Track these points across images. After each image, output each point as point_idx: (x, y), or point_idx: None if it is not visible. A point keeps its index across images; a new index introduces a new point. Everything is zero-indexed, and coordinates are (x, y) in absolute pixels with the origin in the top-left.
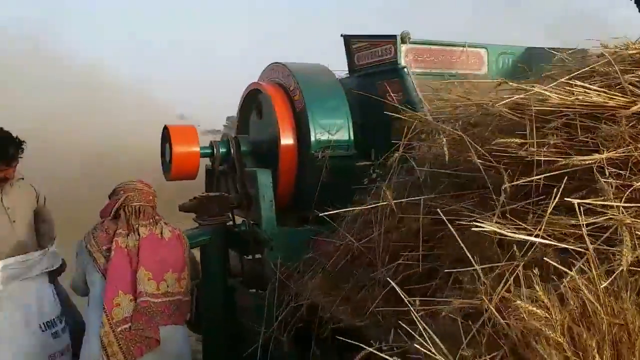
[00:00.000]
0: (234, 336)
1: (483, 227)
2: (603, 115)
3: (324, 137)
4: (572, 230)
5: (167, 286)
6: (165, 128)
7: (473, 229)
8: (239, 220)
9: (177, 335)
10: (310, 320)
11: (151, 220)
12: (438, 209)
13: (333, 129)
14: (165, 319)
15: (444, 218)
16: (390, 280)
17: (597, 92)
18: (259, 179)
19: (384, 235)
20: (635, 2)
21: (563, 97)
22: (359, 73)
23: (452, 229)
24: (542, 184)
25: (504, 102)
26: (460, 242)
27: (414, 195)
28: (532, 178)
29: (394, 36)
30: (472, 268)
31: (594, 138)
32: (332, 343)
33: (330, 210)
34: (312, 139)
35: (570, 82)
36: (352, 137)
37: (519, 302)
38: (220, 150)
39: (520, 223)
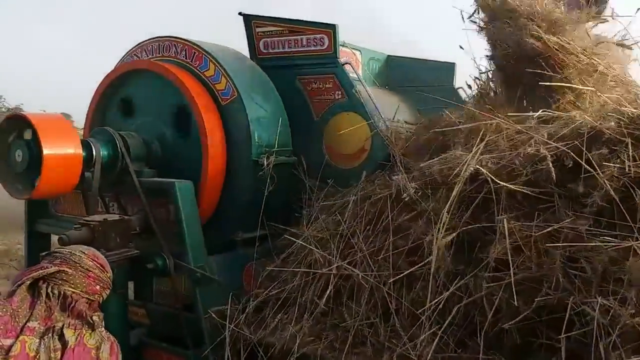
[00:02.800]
0: None
1: None
2: None
3: (265, 139)
4: None
5: None
6: (21, 118)
7: None
8: None
9: None
10: None
11: (85, 322)
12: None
13: (273, 129)
14: None
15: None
16: None
17: None
18: (179, 194)
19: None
20: None
21: None
22: (267, 63)
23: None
24: None
25: None
26: None
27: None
28: None
29: (332, 25)
30: None
31: None
32: None
33: (270, 230)
34: (254, 141)
35: None
36: (290, 140)
37: None
38: (102, 153)
39: None
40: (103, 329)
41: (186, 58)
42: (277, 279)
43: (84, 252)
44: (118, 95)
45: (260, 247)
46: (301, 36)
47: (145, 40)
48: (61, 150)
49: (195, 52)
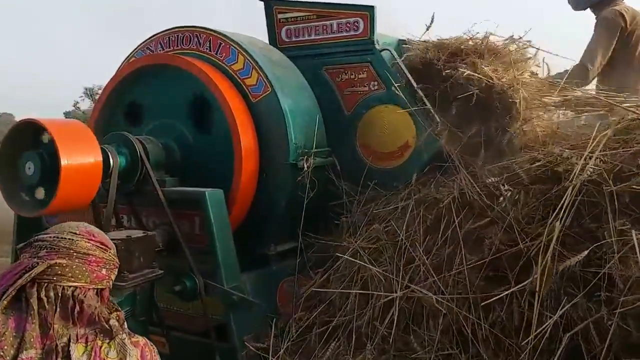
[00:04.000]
0: None
1: None
2: None
3: (302, 139)
4: None
5: None
6: (32, 124)
7: None
8: None
9: None
10: None
11: (99, 327)
12: None
13: (309, 127)
14: None
15: None
16: None
17: None
18: (210, 205)
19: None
20: None
21: None
22: (290, 53)
23: None
24: None
25: None
26: None
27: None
28: None
29: (369, 7)
30: None
31: None
32: None
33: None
34: (292, 143)
35: None
36: (325, 139)
37: None
38: (119, 161)
39: None
40: (125, 335)
41: (210, 50)
42: (318, 299)
43: (75, 232)
44: (125, 99)
45: (292, 261)
46: (331, 21)
47: (161, 32)
48: (80, 159)
49: (221, 43)
